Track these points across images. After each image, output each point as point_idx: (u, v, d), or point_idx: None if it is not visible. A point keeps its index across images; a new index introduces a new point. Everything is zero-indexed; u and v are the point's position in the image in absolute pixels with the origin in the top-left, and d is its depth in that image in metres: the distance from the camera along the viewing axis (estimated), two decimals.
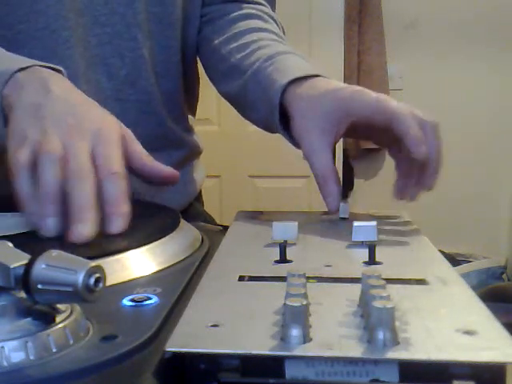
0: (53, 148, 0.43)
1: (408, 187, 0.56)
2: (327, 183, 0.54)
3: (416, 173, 0.55)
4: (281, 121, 0.62)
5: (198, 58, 0.80)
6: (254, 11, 0.76)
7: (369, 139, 0.61)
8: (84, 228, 0.41)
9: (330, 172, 0.55)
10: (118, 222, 0.43)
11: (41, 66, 0.51)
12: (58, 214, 0.42)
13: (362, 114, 0.54)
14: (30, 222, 0.43)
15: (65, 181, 0.42)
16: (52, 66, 0.52)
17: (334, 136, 0.55)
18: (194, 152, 0.83)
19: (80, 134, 0.45)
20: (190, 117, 0.84)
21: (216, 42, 0.74)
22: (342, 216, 0.55)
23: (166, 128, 0.76)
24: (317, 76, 0.61)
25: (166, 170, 0.51)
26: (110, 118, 0.49)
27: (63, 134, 0.45)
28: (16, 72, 0.49)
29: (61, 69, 0.53)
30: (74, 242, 0.41)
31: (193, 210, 0.81)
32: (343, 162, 2.21)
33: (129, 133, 0.49)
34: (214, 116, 2.27)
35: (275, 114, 0.62)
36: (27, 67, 0.50)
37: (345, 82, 2.24)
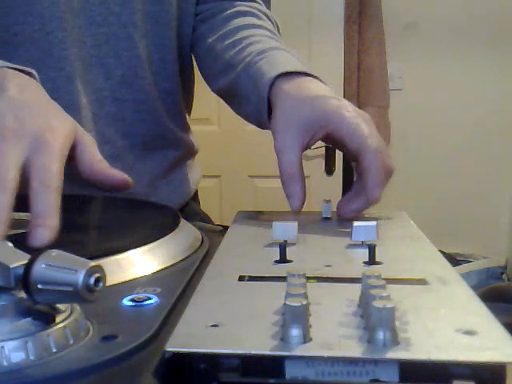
0: None
1: (352, 203, 0.56)
2: (291, 183, 0.54)
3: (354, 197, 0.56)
4: (269, 114, 0.62)
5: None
6: (248, 8, 0.76)
7: (341, 149, 0.61)
8: None
9: (295, 171, 0.54)
10: (42, 235, 0.40)
11: (11, 67, 0.50)
12: None
13: (339, 130, 0.54)
14: None
15: None
16: (23, 68, 0.51)
17: (308, 139, 0.55)
18: (189, 151, 0.83)
19: (17, 137, 0.43)
20: (186, 116, 0.84)
21: (210, 40, 0.74)
22: (324, 216, 0.56)
23: (163, 127, 0.76)
24: (307, 75, 0.61)
25: (118, 176, 0.48)
26: (60, 122, 0.46)
27: None
28: None
29: (32, 71, 0.52)
30: None
31: (189, 210, 0.81)
32: (343, 162, 2.21)
33: (84, 137, 0.47)
34: (213, 116, 2.27)
35: (263, 107, 0.62)
36: None
37: (345, 81, 2.25)
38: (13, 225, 0.45)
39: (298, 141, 0.55)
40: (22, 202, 0.44)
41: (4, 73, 0.49)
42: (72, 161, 0.45)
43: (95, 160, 0.47)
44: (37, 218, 0.40)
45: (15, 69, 0.51)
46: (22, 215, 0.49)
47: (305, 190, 0.55)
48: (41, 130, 0.44)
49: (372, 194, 0.53)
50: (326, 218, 0.56)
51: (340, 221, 0.54)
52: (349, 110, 0.55)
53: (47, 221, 0.40)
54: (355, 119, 0.54)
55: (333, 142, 0.58)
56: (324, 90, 0.59)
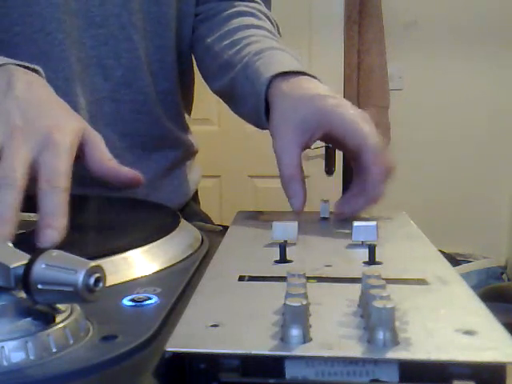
0: None
1: (351, 202, 0.55)
2: (292, 183, 0.54)
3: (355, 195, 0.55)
4: (267, 115, 0.62)
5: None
6: (247, 9, 0.76)
7: (339, 148, 0.61)
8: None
9: (295, 172, 0.54)
10: (50, 236, 0.40)
11: (17, 64, 0.50)
12: None
13: (337, 129, 0.54)
14: None
15: None
16: (29, 65, 0.51)
17: (307, 139, 0.55)
18: (189, 152, 0.83)
19: (24, 136, 0.43)
20: (186, 116, 0.84)
21: (209, 40, 0.74)
22: (322, 216, 0.55)
23: (162, 128, 0.76)
24: (304, 74, 0.61)
25: (127, 173, 0.48)
26: (67, 120, 0.46)
27: (6, 134, 0.42)
28: None
29: (38, 68, 0.51)
30: None
31: (189, 210, 0.81)
32: (343, 162, 2.21)
33: (91, 135, 0.47)
34: (214, 116, 2.27)
35: (261, 107, 0.62)
36: (1, 65, 0.49)
37: (345, 81, 2.25)
38: (21, 225, 0.45)
39: (297, 141, 0.55)
40: (30, 202, 0.44)
41: (11, 70, 0.49)
42: (81, 159, 0.45)
43: (105, 158, 0.47)
44: (45, 218, 0.40)
45: (21, 66, 0.50)
46: (32, 215, 0.49)
47: (305, 190, 0.55)
48: (49, 128, 0.43)
49: (373, 193, 0.53)
50: (324, 218, 0.55)
51: (339, 221, 0.54)
52: (347, 108, 0.55)
53: (55, 222, 0.41)
54: (354, 117, 0.54)
55: (332, 141, 0.58)
56: (322, 88, 0.59)
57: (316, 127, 0.55)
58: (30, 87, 0.48)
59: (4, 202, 0.39)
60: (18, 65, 0.50)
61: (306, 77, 0.61)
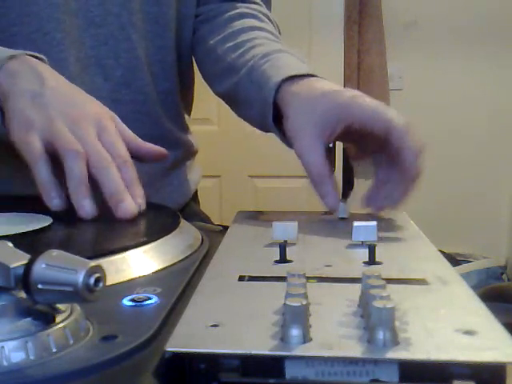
0: (72, 143, 0.47)
1: (378, 198, 0.55)
2: (323, 182, 0.54)
3: (389, 187, 0.55)
4: (274, 119, 0.62)
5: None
6: (249, 10, 0.76)
7: (357, 145, 0.61)
8: (129, 205, 0.47)
9: (323, 171, 0.54)
10: (138, 203, 0.49)
11: (27, 54, 0.54)
12: (92, 197, 0.48)
13: (359, 119, 0.54)
14: (51, 205, 0.48)
15: (93, 170, 0.47)
16: (36, 54, 0.54)
17: (328, 135, 0.55)
18: (189, 152, 0.83)
19: (84, 121, 0.49)
20: (185, 116, 0.84)
21: (211, 42, 0.73)
22: (341, 216, 0.55)
23: (162, 128, 0.76)
24: (313, 76, 0.61)
25: (155, 149, 0.55)
26: (101, 105, 0.53)
27: (69, 122, 0.48)
28: (7, 61, 0.51)
29: (43, 57, 0.55)
30: (123, 218, 0.47)
31: (189, 210, 0.81)
32: (343, 162, 2.21)
33: (117, 118, 0.53)
34: (214, 116, 2.27)
35: (269, 111, 0.61)
36: (17, 55, 0.52)
37: (345, 81, 2.25)
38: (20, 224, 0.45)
39: (319, 139, 0.54)
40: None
41: (28, 61, 0.53)
42: None
43: (132, 138, 0.54)
44: (129, 189, 0.49)
45: (29, 55, 0.54)
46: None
47: (337, 187, 0.54)
48: (96, 114, 0.51)
49: (410, 173, 0.52)
50: (343, 219, 0.55)
51: (352, 220, 0.54)
52: (365, 98, 0.55)
53: (138, 191, 0.49)
54: (375, 104, 0.54)
55: (352, 136, 0.57)
56: (332, 85, 0.59)
57: (336, 122, 0.54)
58: (57, 78, 0.53)
59: (114, 181, 0.48)
60: (28, 54, 0.53)
61: (315, 78, 0.61)
